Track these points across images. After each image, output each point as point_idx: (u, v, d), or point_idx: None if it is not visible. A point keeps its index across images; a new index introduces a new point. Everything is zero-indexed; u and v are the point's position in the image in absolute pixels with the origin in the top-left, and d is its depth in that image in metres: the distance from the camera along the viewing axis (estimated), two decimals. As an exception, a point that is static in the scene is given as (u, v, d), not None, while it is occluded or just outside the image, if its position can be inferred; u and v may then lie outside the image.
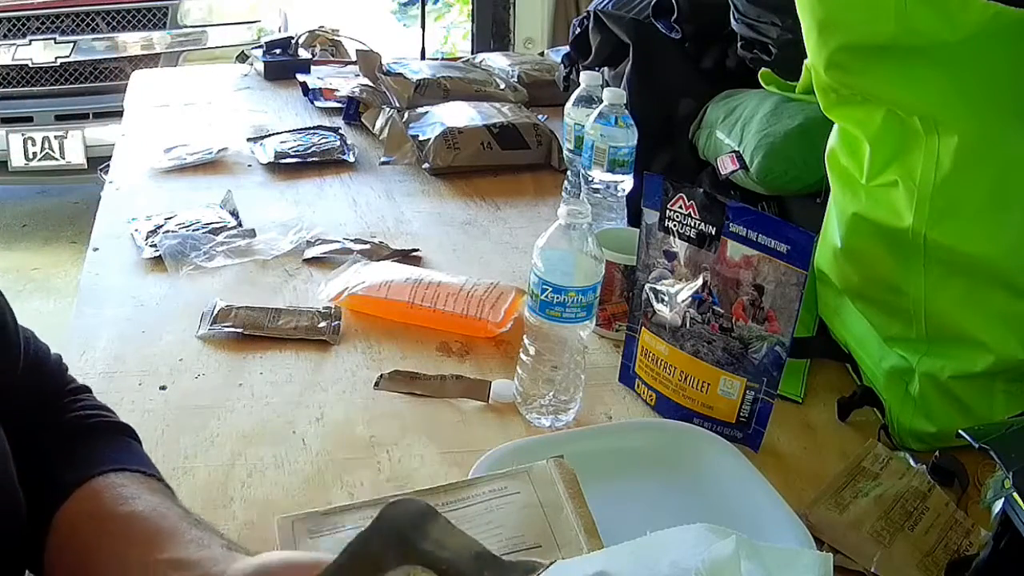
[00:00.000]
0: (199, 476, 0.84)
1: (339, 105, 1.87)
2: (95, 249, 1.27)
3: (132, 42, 3.58)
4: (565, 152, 1.42)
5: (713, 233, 0.87)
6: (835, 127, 0.92)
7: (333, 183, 1.54)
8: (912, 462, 0.85)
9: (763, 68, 1.22)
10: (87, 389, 0.73)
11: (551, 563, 0.49)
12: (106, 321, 1.08)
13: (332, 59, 2.19)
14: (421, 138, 1.59)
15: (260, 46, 2.22)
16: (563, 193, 1.43)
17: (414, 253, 1.29)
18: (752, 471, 0.83)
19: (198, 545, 0.57)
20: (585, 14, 1.56)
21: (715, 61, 1.37)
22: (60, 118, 3.52)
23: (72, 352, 1.01)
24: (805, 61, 0.95)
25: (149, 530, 0.58)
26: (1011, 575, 0.64)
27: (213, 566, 0.54)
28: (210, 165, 1.58)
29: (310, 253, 1.25)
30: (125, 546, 0.57)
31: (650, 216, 0.92)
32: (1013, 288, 0.80)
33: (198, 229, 1.28)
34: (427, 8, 3.63)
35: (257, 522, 0.78)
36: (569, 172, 1.42)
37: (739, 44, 1.28)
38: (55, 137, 3.50)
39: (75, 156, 3.53)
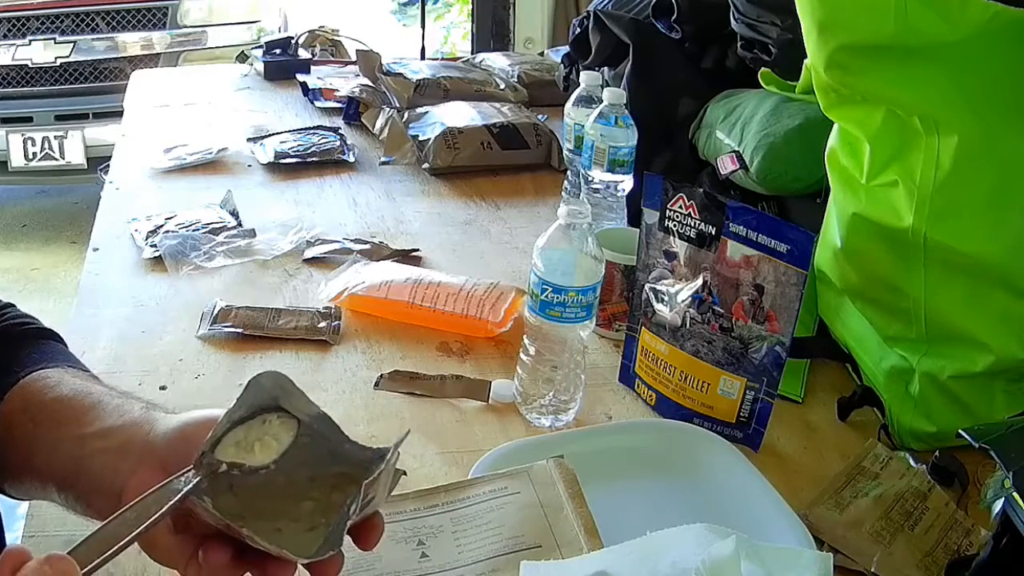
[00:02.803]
0: (199, 476, 0.84)
1: (339, 105, 1.87)
2: (95, 249, 1.27)
3: (132, 42, 3.58)
4: (565, 152, 1.43)
5: (713, 233, 0.87)
6: (835, 127, 0.92)
7: (333, 183, 1.54)
8: (912, 462, 0.85)
9: (763, 68, 1.22)
10: (11, 305, 0.76)
11: (404, 437, 0.54)
12: (106, 321, 1.08)
13: (332, 59, 2.19)
14: (421, 138, 1.59)
15: (260, 46, 2.21)
16: (563, 193, 1.42)
17: (414, 253, 1.29)
18: (752, 471, 0.83)
19: (120, 412, 0.61)
20: (585, 14, 1.56)
21: (715, 61, 1.37)
22: (60, 118, 3.52)
23: (72, 352, 1.01)
24: (805, 61, 0.95)
25: (75, 409, 0.62)
26: (1011, 575, 0.64)
27: (136, 429, 0.59)
28: (210, 165, 1.58)
29: (310, 253, 1.25)
30: (55, 428, 0.61)
31: (650, 216, 0.92)
32: (1013, 288, 0.80)
33: (198, 229, 1.28)
34: (427, 8, 3.63)
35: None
36: (569, 172, 1.41)
37: (739, 44, 1.28)
38: (55, 137, 3.50)
39: (75, 156, 3.53)
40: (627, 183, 1.21)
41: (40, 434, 0.62)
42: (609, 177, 1.20)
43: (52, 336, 0.76)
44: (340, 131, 1.71)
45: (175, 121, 1.84)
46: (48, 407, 0.63)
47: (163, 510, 0.50)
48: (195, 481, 0.52)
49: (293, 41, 2.21)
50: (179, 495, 0.51)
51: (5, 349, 0.70)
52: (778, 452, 0.91)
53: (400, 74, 1.79)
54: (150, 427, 0.59)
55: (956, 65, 0.76)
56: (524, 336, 0.92)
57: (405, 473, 0.60)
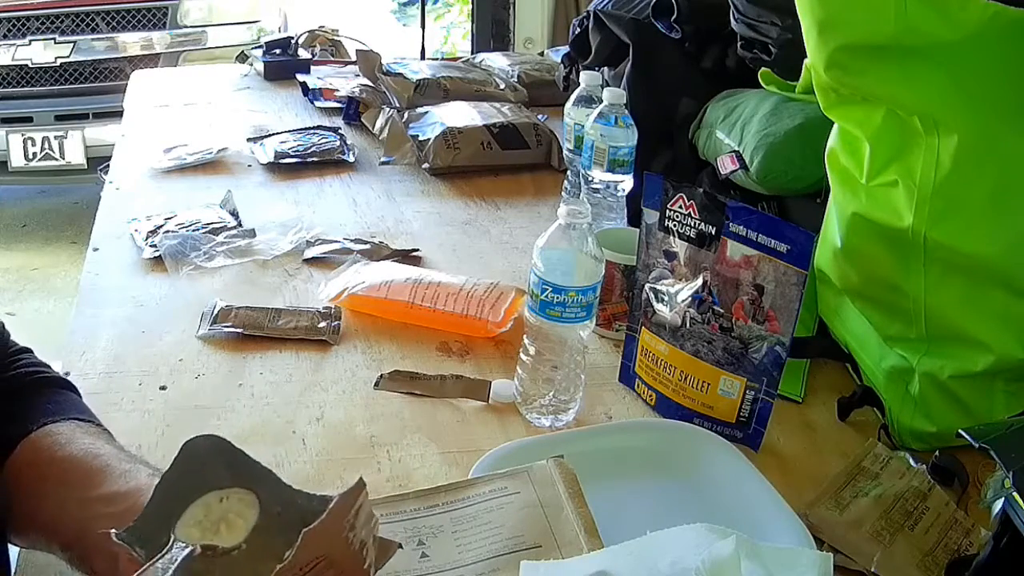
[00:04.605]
0: (199, 476, 0.84)
1: (339, 105, 1.87)
2: (95, 249, 1.27)
3: (132, 42, 3.58)
4: (565, 152, 1.43)
5: (713, 233, 0.87)
6: (835, 127, 0.92)
7: (333, 183, 1.54)
8: (912, 462, 0.85)
9: (763, 68, 1.22)
10: (28, 350, 0.77)
11: (355, 486, 0.52)
12: (106, 321, 1.08)
13: (332, 59, 2.19)
14: (421, 138, 1.59)
15: (260, 46, 2.22)
16: (563, 193, 1.43)
17: (414, 253, 1.29)
18: (752, 471, 0.83)
19: (127, 478, 0.61)
20: (585, 14, 1.56)
21: (715, 61, 1.37)
22: (60, 118, 3.52)
23: (72, 352, 1.01)
24: (805, 61, 0.95)
25: (83, 470, 0.62)
26: (1011, 575, 0.64)
27: (141, 497, 0.58)
28: (210, 165, 1.58)
29: (310, 253, 1.25)
30: (63, 488, 0.62)
31: (650, 216, 0.92)
32: (1013, 288, 0.80)
33: (198, 229, 1.28)
34: (427, 8, 3.63)
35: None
36: (569, 172, 1.42)
37: (739, 44, 1.28)
38: (55, 137, 3.50)
39: (75, 156, 3.53)
40: (627, 183, 1.21)
41: (47, 491, 0.62)
42: (609, 177, 1.20)
43: (65, 385, 0.76)
44: (340, 131, 1.71)
45: (175, 121, 1.84)
46: (57, 464, 0.63)
47: None
48: (187, 550, 0.51)
49: (293, 41, 2.21)
50: (177, 563, 0.50)
51: (17, 399, 0.70)
52: (778, 452, 0.91)
53: (400, 74, 1.79)
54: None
55: (956, 65, 0.76)
56: (524, 336, 0.92)
57: (401, 546, 0.61)
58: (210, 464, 0.55)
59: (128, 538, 0.52)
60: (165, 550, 0.51)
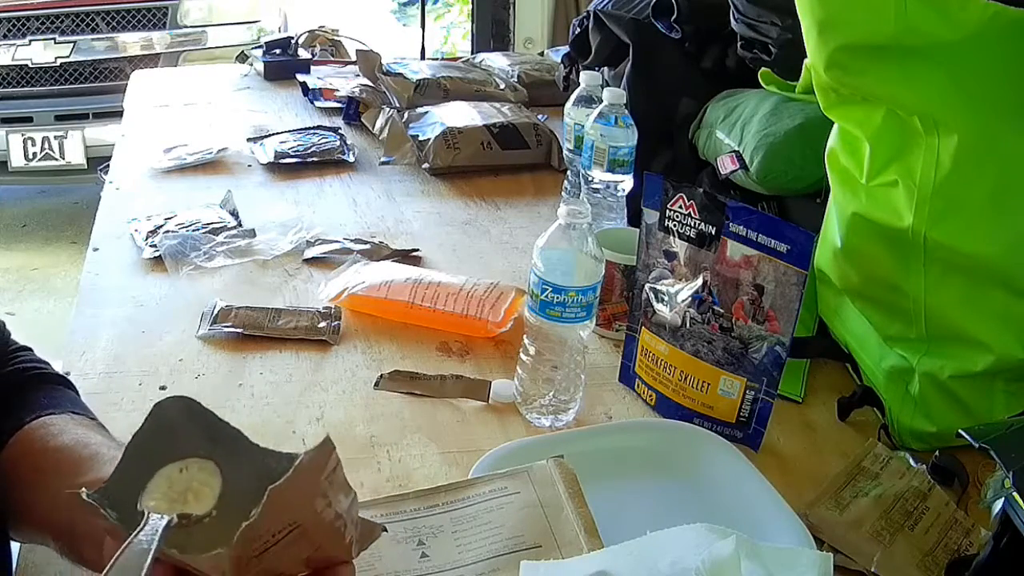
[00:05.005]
0: (199, 476, 0.84)
1: (339, 105, 1.87)
2: (95, 249, 1.27)
3: (132, 42, 3.58)
4: (565, 152, 1.43)
5: (713, 233, 0.87)
6: (835, 127, 0.92)
7: (333, 183, 1.54)
8: (912, 462, 0.85)
9: (763, 68, 1.22)
10: (28, 348, 0.77)
11: (322, 443, 0.51)
12: (106, 321, 1.08)
13: (332, 59, 2.19)
14: (421, 138, 1.59)
15: (260, 46, 2.21)
16: (563, 193, 1.43)
17: (414, 253, 1.29)
18: (752, 471, 0.83)
19: (114, 465, 0.60)
20: (585, 14, 1.56)
21: (715, 61, 1.37)
22: (60, 118, 3.52)
23: (72, 352, 1.01)
24: (805, 61, 0.95)
25: (74, 459, 0.63)
26: (1011, 575, 0.64)
27: None
28: (210, 165, 1.58)
29: (310, 253, 1.25)
30: (55, 477, 0.62)
31: (650, 216, 0.92)
32: (1013, 288, 0.80)
33: (198, 229, 1.28)
34: (427, 8, 3.64)
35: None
36: (569, 172, 1.42)
37: (739, 44, 1.28)
38: (55, 137, 3.50)
39: (75, 156, 3.53)
40: (627, 183, 1.21)
41: (41, 482, 0.63)
42: (609, 177, 1.20)
43: (62, 382, 0.76)
44: (340, 131, 1.71)
45: (175, 121, 1.84)
46: (51, 454, 0.64)
47: (152, 551, 0.49)
48: (164, 520, 0.51)
49: (293, 41, 2.21)
50: (159, 533, 0.50)
51: (13, 393, 0.71)
52: (778, 452, 0.91)
53: (400, 74, 1.79)
54: None
55: (956, 65, 0.76)
56: (524, 336, 0.92)
57: (386, 530, 0.61)
58: (181, 426, 0.55)
59: (99, 499, 0.52)
60: (143, 523, 0.51)
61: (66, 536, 0.61)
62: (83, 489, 0.52)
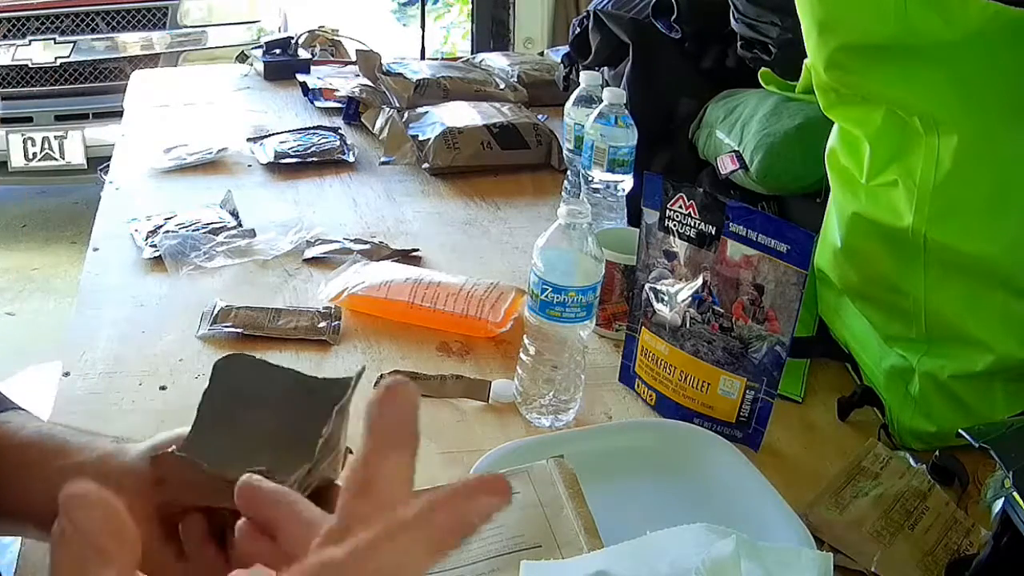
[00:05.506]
0: (199, 476, 0.84)
1: (339, 105, 1.87)
2: (95, 249, 1.27)
3: (132, 42, 3.57)
4: (565, 152, 1.43)
5: (713, 233, 0.87)
6: (835, 127, 0.92)
7: (333, 183, 1.54)
8: (912, 462, 0.85)
9: (763, 68, 1.22)
10: None
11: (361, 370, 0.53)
12: (106, 321, 1.08)
13: (332, 59, 2.19)
14: (421, 138, 1.59)
15: (260, 46, 2.21)
16: (563, 193, 1.43)
17: (414, 253, 1.29)
18: (752, 471, 0.83)
19: (90, 449, 0.60)
20: (585, 14, 1.56)
21: (715, 61, 1.37)
22: (60, 118, 3.52)
23: (72, 352, 1.01)
24: (805, 61, 0.95)
25: (42, 450, 0.62)
26: (1011, 574, 0.64)
27: (111, 459, 0.58)
28: (210, 165, 1.58)
29: (310, 253, 1.25)
30: (23, 470, 0.61)
31: (650, 216, 0.92)
32: (1013, 288, 0.81)
33: (198, 229, 1.28)
34: (427, 8, 3.63)
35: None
36: (569, 172, 1.42)
37: (739, 44, 1.28)
38: (55, 137, 3.50)
39: (75, 156, 3.53)
40: (627, 183, 1.21)
41: (7, 476, 0.61)
42: (609, 177, 1.20)
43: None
44: (340, 131, 1.71)
45: (175, 121, 1.84)
46: (13, 451, 0.63)
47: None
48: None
49: (293, 41, 2.21)
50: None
51: None
52: (778, 452, 0.91)
53: (400, 74, 1.79)
54: (124, 454, 0.59)
55: (956, 65, 0.76)
56: (524, 336, 0.92)
57: (351, 451, 0.60)
58: (244, 379, 0.57)
59: (193, 452, 0.54)
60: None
61: (47, 521, 0.60)
62: (173, 448, 0.54)
